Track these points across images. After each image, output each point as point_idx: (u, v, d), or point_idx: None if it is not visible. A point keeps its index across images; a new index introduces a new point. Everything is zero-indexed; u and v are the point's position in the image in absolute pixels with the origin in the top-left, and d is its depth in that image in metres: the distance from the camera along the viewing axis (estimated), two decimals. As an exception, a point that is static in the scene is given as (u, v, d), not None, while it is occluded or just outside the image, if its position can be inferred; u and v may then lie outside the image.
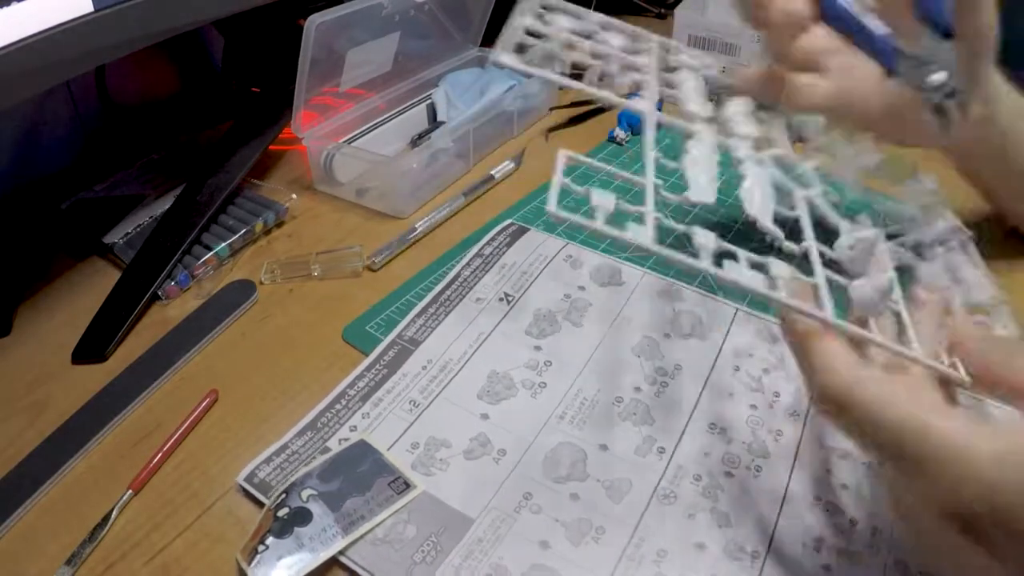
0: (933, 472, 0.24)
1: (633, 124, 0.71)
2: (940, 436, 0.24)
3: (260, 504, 0.34)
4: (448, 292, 0.47)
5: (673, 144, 0.72)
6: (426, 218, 0.55)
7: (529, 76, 0.37)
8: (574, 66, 0.40)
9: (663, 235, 0.29)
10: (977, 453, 0.24)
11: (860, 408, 0.26)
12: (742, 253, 0.30)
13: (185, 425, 0.38)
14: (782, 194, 0.35)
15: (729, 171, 0.36)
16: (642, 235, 0.28)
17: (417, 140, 0.65)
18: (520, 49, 0.37)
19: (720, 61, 0.49)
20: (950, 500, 0.25)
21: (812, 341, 0.28)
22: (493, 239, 0.52)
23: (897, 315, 0.30)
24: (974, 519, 0.25)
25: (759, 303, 0.49)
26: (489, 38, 0.76)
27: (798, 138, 0.46)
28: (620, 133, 0.69)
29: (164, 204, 0.55)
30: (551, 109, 0.74)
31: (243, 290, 0.48)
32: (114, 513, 0.34)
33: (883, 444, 0.26)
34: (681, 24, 0.86)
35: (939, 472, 0.24)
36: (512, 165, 0.64)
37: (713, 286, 0.50)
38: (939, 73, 0.36)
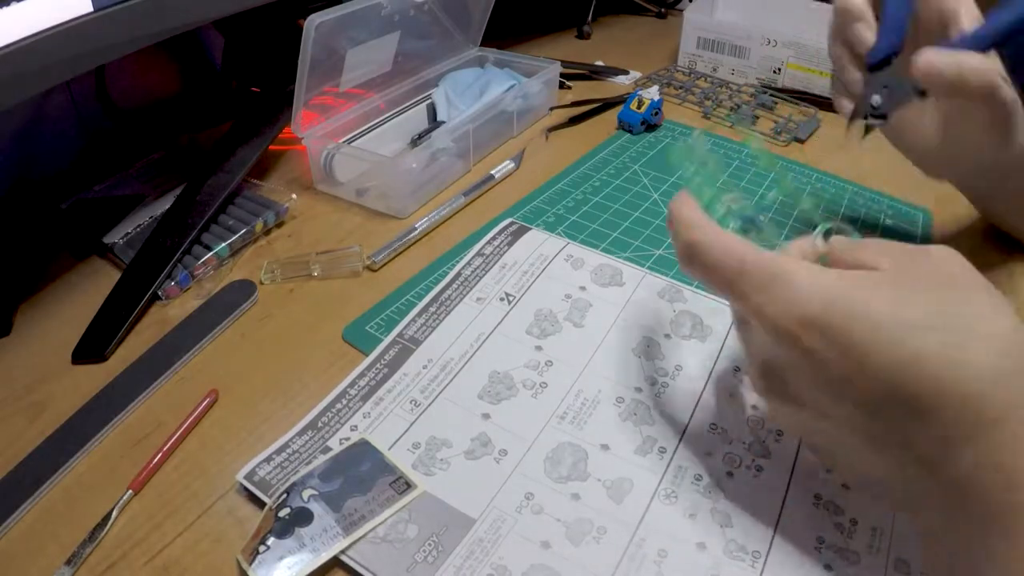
0: (755, 299, 0.28)
1: (632, 124, 0.71)
2: (758, 262, 0.28)
3: (260, 503, 0.34)
4: (449, 291, 0.47)
5: (673, 144, 0.73)
6: (426, 218, 0.55)
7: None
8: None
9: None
10: (796, 276, 0.27)
11: (698, 253, 0.30)
12: None
13: (185, 425, 0.38)
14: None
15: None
16: None
17: (417, 140, 0.65)
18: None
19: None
20: (770, 325, 0.28)
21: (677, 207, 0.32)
22: (494, 239, 0.52)
23: None
24: (772, 374, 0.30)
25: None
26: (489, 38, 0.76)
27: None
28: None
29: (164, 204, 0.55)
30: (551, 109, 0.74)
31: (243, 290, 0.48)
32: (114, 513, 0.34)
33: (718, 282, 0.30)
34: (690, 26, 0.86)
35: (760, 295, 0.28)
36: (512, 165, 0.64)
37: (713, 286, 0.50)
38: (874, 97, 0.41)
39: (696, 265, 0.30)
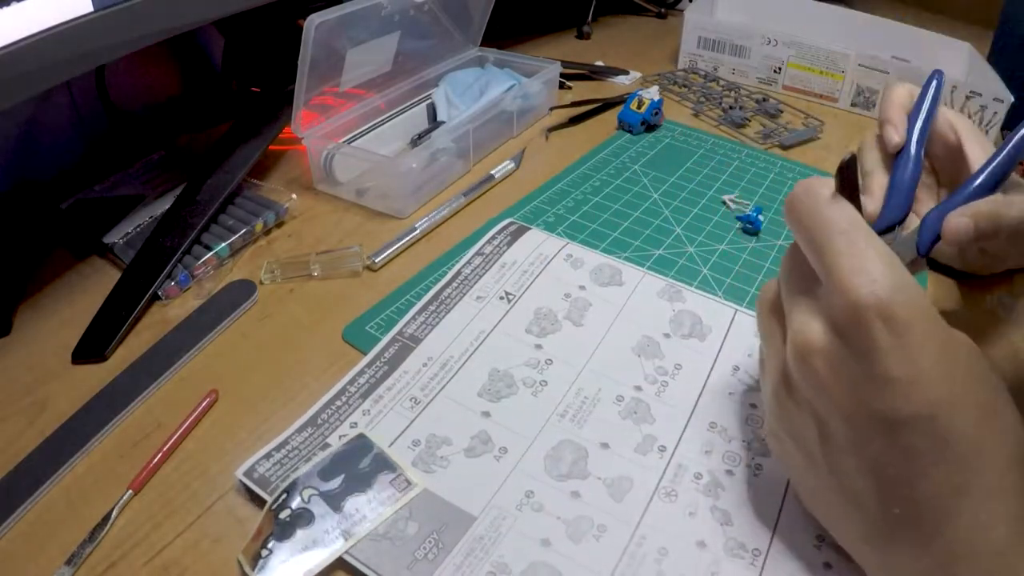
0: (843, 261, 0.26)
1: (633, 124, 0.71)
2: (870, 231, 0.27)
3: (259, 500, 0.34)
4: (449, 290, 0.47)
5: (673, 144, 0.73)
6: (426, 218, 0.55)
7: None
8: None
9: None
10: (896, 261, 0.26)
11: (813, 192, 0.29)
12: None
13: (185, 425, 0.38)
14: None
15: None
16: None
17: (417, 140, 0.66)
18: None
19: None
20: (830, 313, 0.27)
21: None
22: (493, 238, 0.52)
23: None
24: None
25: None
26: (489, 38, 0.76)
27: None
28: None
29: (164, 204, 0.55)
30: (551, 109, 0.74)
31: (243, 290, 0.48)
32: (114, 513, 0.34)
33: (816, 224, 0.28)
34: (690, 26, 0.86)
35: (851, 259, 0.26)
36: (512, 165, 0.64)
37: (713, 286, 0.50)
38: None
39: (806, 200, 0.28)
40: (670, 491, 0.35)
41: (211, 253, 0.50)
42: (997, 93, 0.70)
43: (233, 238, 0.51)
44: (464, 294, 0.47)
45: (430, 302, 0.46)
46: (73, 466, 0.37)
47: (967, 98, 0.71)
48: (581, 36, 0.98)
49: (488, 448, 0.37)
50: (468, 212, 0.58)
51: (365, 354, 0.43)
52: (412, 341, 0.43)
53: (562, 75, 0.77)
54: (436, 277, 0.50)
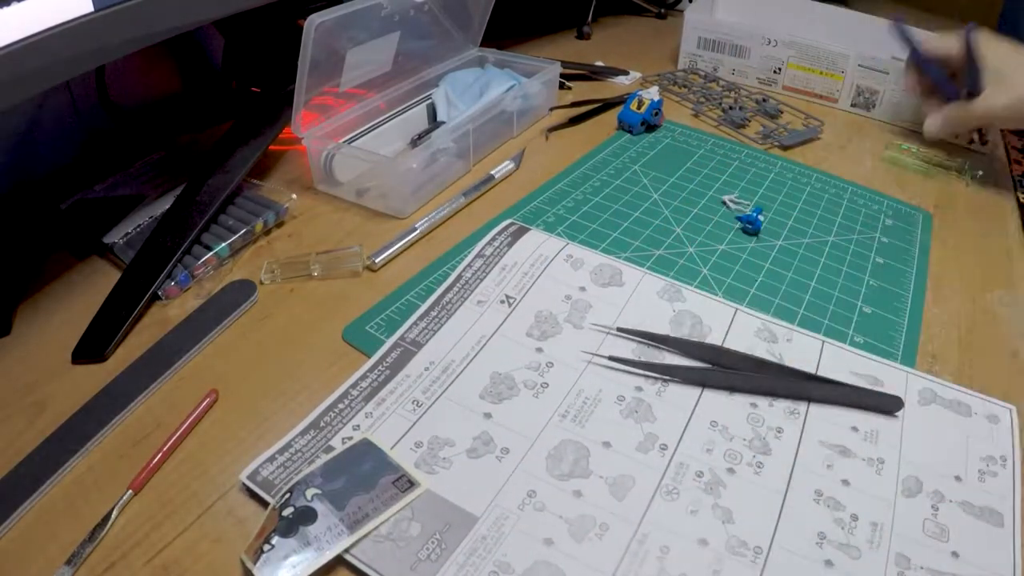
0: None
1: (632, 124, 0.71)
2: None
3: (261, 502, 0.34)
4: (450, 295, 0.47)
5: (673, 144, 0.73)
6: (426, 218, 0.55)
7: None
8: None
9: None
10: None
11: None
12: None
13: (185, 425, 0.38)
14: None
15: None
16: None
17: (417, 140, 0.65)
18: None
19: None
20: None
21: None
22: (494, 239, 0.52)
23: None
24: None
25: (758, 303, 0.49)
26: (489, 38, 0.76)
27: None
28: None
29: (164, 204, 0.55)
30: (551, 109, 0.74)
31: (243, 290, 0.48)
32: (114, 513, 0.34)
33: None
34: (690, 26, 0.86)
35: None
36: (512, 165, 0.64)
37: (713, 287, 0.50)
38: None
39: None
40: (672, 489, 0.35)
41: (211, 253, 0.50)
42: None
43: (233, 238, 0.51)
44: (465, 299, 0.47)
45: (431, 307, 0.46)
46: (73, 466, 0.37)
47: None
48: (581, 36, 0.98)
49: (490, 449, 0.37)
50: (468, 212, 0.58)
51: (366, 354, 0.43)
52: (414, 346, 0.43)
53: (562, 75, 0.77)
54: (436, 277, 0.50)
